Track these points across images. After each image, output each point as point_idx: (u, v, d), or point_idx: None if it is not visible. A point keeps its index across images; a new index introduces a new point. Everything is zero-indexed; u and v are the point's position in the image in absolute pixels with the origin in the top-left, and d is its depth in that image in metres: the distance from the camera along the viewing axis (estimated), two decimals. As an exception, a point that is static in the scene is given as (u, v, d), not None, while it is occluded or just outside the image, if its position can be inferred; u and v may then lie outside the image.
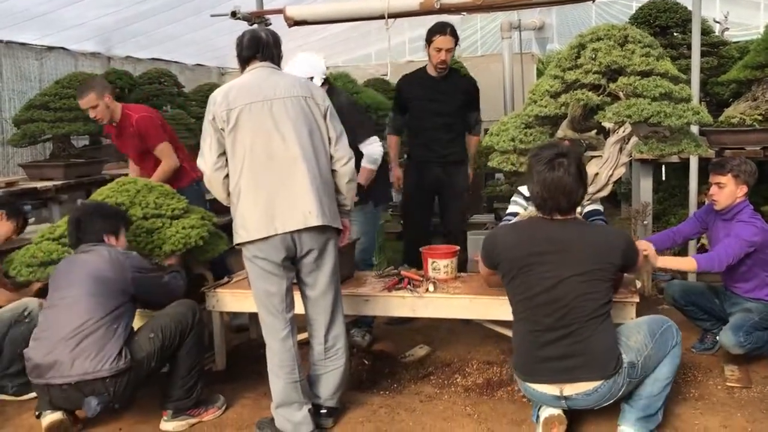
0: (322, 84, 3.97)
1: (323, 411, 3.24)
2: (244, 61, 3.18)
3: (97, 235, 3.35)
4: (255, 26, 5.11)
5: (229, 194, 3.11)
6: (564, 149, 2.89)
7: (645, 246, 3.48)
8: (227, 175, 3.08)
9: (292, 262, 3.12)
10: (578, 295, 2.80)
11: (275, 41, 3.19)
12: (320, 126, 3.15)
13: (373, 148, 4.13)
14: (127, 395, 3.18)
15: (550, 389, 2.89)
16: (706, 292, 3.96)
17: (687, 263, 3.79)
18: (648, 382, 2.94)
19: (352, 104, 4.30)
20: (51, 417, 3.18)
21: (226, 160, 3.07)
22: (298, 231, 3.02)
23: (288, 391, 3.11)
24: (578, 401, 2.89)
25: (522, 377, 2.97)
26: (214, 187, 3.13)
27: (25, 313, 3.58)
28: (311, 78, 3.88)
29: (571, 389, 2.86)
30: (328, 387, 3.25)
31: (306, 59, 4.04)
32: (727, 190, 3.70)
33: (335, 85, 4.40)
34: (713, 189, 3.76)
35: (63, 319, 3.11)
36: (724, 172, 3.70)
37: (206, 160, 3.08)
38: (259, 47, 3.14)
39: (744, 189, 3.71)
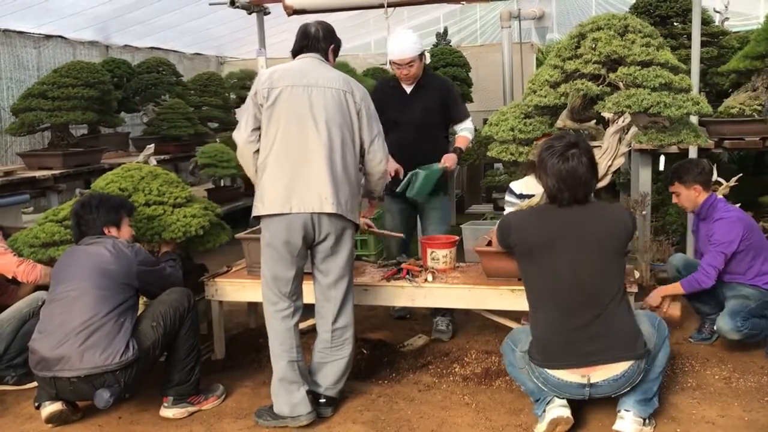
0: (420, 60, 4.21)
1: (322, 400, 3.25)
2: (295, 53, 3.33)
3: (98, 228, 3.35)
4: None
5: (257, 170, 3.21)
6: (574, 139, 2.93)
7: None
8: (258, 150, 3.18)
9: (308, 248, 3.17)
10: (600, 276, 2.86)
11: (324, 35, 3.30)
12: (353, 122, 3.22)
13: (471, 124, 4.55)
14: (136, 384, 3.20)
15: (575, 376, 2.88)
16: None
17: (674, 288, 3.88)
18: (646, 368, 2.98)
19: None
20: (50, 407, 3.18)
21: (260, 135, 3.17)
22: (318, 214, 3.10)
23: (287, 370, 3.14)
24: (603, 388, 2.89)
25: (546, 365, 2.92)
26: (245, 160, 3.25)
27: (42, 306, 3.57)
28: (422, 54, 4.20)
29: (599, 374, 2.86)
30: (330, 376, 3.26)
31: (414, 37, 4.24)
32: (683, 196, 3.90)
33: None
34: (673, 198, 3.98)
35: (69, 313, 3.10)
36: (673, 182, 3.92)
37: (241, 133, 3.21)
38: (307, 40, 3.29)
39: (698, 189, 3.83)
